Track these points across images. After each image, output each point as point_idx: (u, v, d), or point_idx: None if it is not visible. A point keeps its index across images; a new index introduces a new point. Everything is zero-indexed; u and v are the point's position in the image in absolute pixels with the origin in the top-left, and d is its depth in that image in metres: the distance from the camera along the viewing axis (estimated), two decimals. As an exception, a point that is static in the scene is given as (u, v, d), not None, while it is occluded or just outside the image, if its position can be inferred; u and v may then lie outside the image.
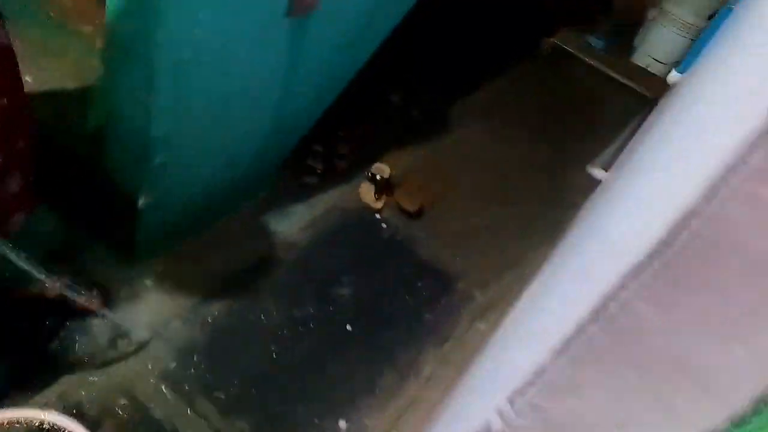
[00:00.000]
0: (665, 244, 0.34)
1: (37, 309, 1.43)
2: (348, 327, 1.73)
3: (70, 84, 1.55)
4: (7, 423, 1.27)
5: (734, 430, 0.33)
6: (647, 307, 0.33)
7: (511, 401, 0.40)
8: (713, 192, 0.32)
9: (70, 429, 1.28)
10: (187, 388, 1.45)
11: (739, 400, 0.33)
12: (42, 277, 1.31)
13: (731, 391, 0.33)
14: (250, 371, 1.54)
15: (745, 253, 0.32)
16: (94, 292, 1.47)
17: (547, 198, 2.38)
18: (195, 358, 1.51)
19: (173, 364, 1.48)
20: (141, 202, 1.43)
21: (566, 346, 0.37)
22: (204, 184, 1.57)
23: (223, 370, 1.51)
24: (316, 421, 1.50)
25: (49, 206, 1.45)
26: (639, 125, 2.37)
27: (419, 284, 1.94)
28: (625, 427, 0.35)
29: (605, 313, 0.36)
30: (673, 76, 2.92)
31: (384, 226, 2.07)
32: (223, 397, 1.46)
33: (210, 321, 1.58)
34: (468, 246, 2.12)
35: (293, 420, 1.49)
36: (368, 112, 2.41)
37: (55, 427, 1.29)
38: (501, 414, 0.41)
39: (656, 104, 2.34)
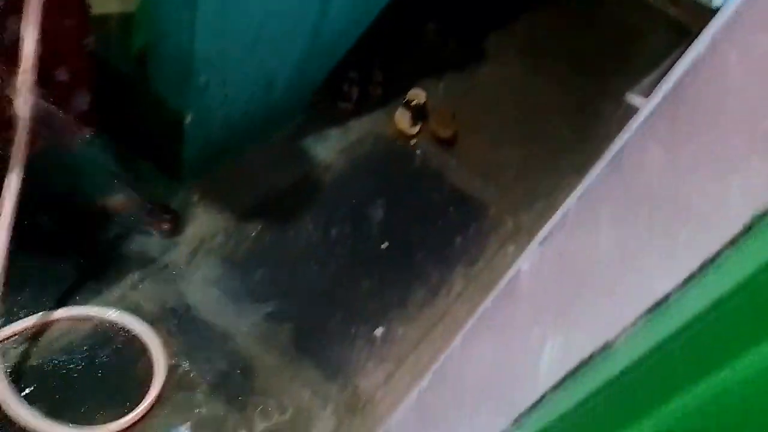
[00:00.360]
0: (672, 92, 0.38)
1: (106, 220, 1.54)
2: (381, 246, 1.81)
3: (115, 6, 1.60)
4: (75, 319, 1.40)
5: (728, 252, 0.38)
6: (655, 147, 0.38)
7: (541, 244, 0.46)
8: (715, 44, 0.35)
9: (130, 326, 1.41)
10: (232, 295, 1.56)
11: (734, 227, 0.38)
12: (120, 193, 1.43)
13: (727, 219, 0.38)
14: (289, 283, 1.64)
15: (740, 98, 0.36)
16: (163, 214, 1.58)
17: (581, 129, 2.37)
18: (239, 269, 1.61)
19: (219, 274, 1.59)
20: (186, 121, 1.50)
21: (586, 191, 0.42)
22: (244, 105, 1.63)
23: (264, 281, 1.61)
24: (352, 329, 1.61)
25: (103, 128, 1.54)
26: (681, 55, 2.31)
27: (450, 209, 2.00)
28: (636, 259, 0.41)
29: (619, 159, 0.41)
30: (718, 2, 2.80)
31: (417, 152, 2.12)
32: (264, 305, 1.57)
33: (253, 236, 1.67)
34: (500, 175, 2.16)
35: (331, 328, 1.59)
36: (404, 40, 2.41)
37: (117, 324, 1.42)
38: (530, 258, 0.47)
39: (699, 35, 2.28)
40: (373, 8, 1.79)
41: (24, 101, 1.08)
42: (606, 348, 0.36)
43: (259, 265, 1.63)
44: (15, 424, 1.21)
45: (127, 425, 1.27)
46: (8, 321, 1.33)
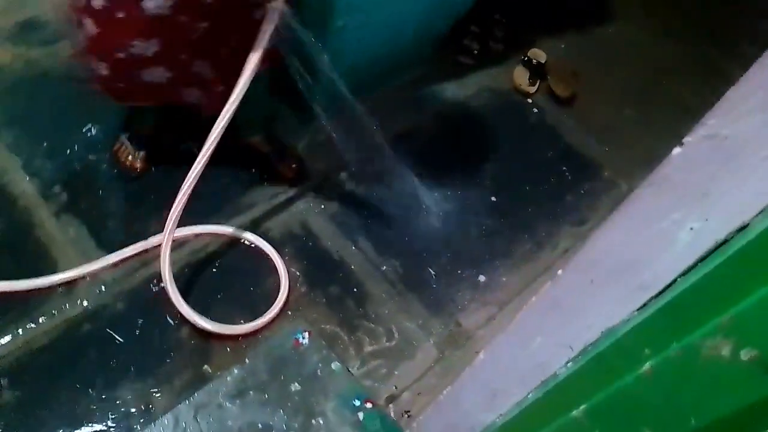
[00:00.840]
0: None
1: (247, 154, 1.71)
2: (492, 198, 1.86)
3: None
4: (214, 234, 1.58)
5: None
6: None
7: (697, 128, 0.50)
8: None
9: (261, 246, 1.57)
10: (350, 227, 1.68)
11: None
12: (260, 132, 1.59)
13: None
14: (401, 222, 1.74)
15: None
16: (293, 164, 1.74)
17: (705, 94, 2.25)
18: (357, 205, 1.73)
19: (339, 208, 1.72)
20: (320, 64, 1.61)
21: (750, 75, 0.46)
22: (373, 50, 1.72)
23: (379, 218, 1.72)
24: (458, 271, 1.68)
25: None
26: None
27: (563, 168, 2.00)
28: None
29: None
30: None
31: (534, 110, 2.12)
32: (378, 239, 1.68)
33: (371, 175, 1.78)
34: (617, 137, 2.12)
35: (438, 269, 1.67)
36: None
37: (251, 243, 1.58)
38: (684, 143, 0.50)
39: None
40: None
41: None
42: (742, 229, 0.40)
43: (374, 203, 1.74)
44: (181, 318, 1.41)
45: (257, 328, 1.44)
46: (159, 231, 1.54)
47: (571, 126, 2.10)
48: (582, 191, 1.95)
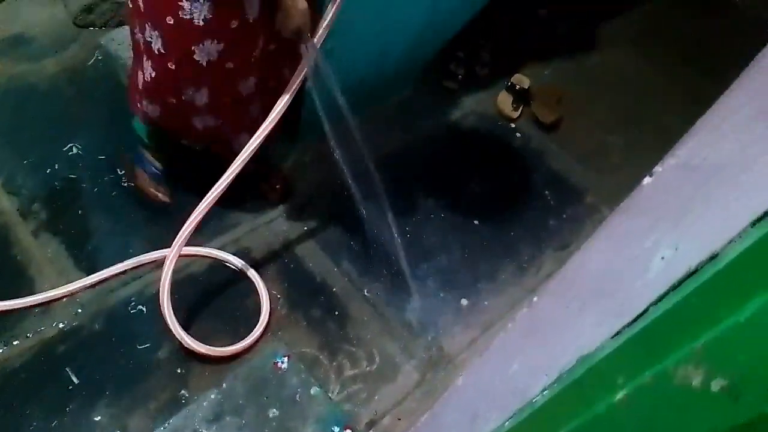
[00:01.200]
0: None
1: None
2: (475, 221, 1.86)
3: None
4: (196, 255, 1.57)
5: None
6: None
7: (668, 155, 0.51)
8: None
9: (241, 267, 1.56)
10: (333, 249, 1.68)
11: None
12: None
13: None
14: (386, 246, 1.73)
15: None
16: (278, 185, 1.73)
17: (691, 121, 2.29)
18: (341, 227, 1.73)
19: (324, 229, 1.71)
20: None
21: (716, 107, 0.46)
22: (360, 72, 1.73)
23: (362, 240, 1.71)
24: (441, 295, 1.68)
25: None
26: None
27: (546, 193, 2.01)
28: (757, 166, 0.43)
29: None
30: None
31: (518, 135, 2.14)
32: (361, 261, 1.67)
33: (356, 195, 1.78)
34: (600, 163, 2.14)
35: (421, 291, 1.67)
36: (514, 24, 2.42)
37: (231, 264, 1.57)
38: (655, 169, 0.51)
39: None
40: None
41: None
42: (712, 259, 0.40)
43: (359, 224, 1.73)
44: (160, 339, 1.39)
45: (239, 351, 1.42)
46: (145, 250, 1.52)
47: (555, 151, 2.12)
48: (565, 216, 1.96)
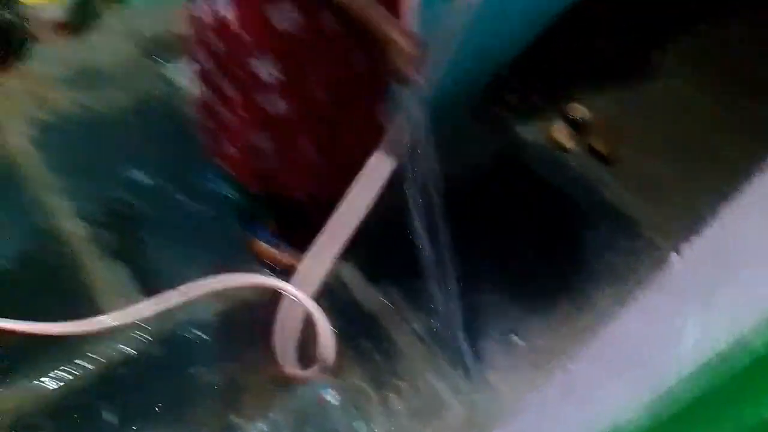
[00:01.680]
0: None
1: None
2: (527, 254, 1.83)
3: None
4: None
5: None
6: None
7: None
8: None
9: (302, 300, 1.58)
10: (382, 280, 1.68)
11: None
12: None
13: None
14: (437, 279, 1.72)
15: None
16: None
17: (750, 154, 2.19)
18: (389, 257, 1.72)
19: (372, 259, 1.72)
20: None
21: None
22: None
23: (412, 272, 1.71)
24: (492, 331, 1.65)
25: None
26: None
27: (601, 225, 1.96)
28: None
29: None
30: None
31: (572, 164, 2.11)
32: (410, 293, 1.66)
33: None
34: (657, 195, 2.07)
35: (471, 326, 1.64)
36: (570, 53, 2.39)
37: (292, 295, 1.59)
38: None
39: None
40: (548, 12, 1.81)
41: None
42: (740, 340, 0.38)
43: (410, 255, 1.73)
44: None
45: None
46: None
47: (610, 183, 2.07)
48: (619, 249, 1.91)
